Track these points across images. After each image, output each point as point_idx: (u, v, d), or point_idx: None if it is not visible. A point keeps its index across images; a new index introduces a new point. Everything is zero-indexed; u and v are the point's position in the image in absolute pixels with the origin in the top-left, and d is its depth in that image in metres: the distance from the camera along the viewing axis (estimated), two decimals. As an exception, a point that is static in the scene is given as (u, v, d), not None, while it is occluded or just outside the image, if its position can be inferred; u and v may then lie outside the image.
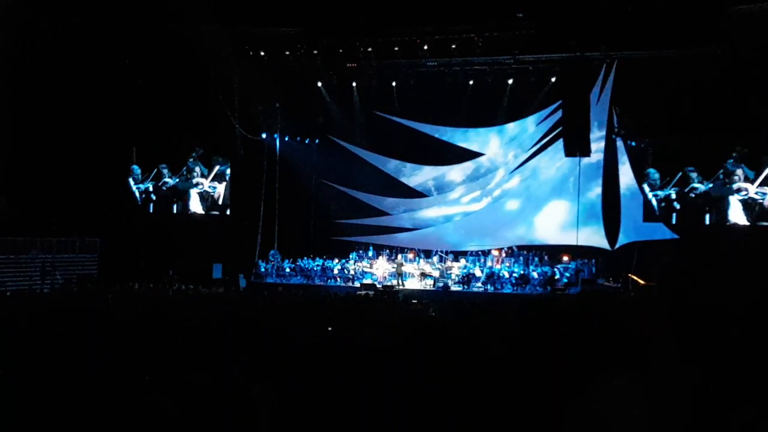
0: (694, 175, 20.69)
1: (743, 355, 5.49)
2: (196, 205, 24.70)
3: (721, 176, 20.33)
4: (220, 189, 24.59)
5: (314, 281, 22.79)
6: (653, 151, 21.25)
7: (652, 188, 21.24)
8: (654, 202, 21.17)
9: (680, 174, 20.65)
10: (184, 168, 24.65)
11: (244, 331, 8.08)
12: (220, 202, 24.58)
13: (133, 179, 24.98)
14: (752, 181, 20.12)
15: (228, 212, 24.59)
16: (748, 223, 20.14)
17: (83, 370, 5.51)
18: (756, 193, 20.03)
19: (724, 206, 20.36)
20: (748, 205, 20.18)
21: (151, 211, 24.87)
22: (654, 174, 21.21)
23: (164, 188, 24.82)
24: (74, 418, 4.58)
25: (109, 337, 7.35)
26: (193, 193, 24.71)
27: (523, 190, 24.68)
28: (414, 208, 25.90)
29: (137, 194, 24.90)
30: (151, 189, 24.82)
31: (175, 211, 24.86)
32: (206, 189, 24.61)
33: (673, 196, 20.92)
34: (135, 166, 24.90)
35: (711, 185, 20.51)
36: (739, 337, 6.78)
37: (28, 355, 6.17)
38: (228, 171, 24.58)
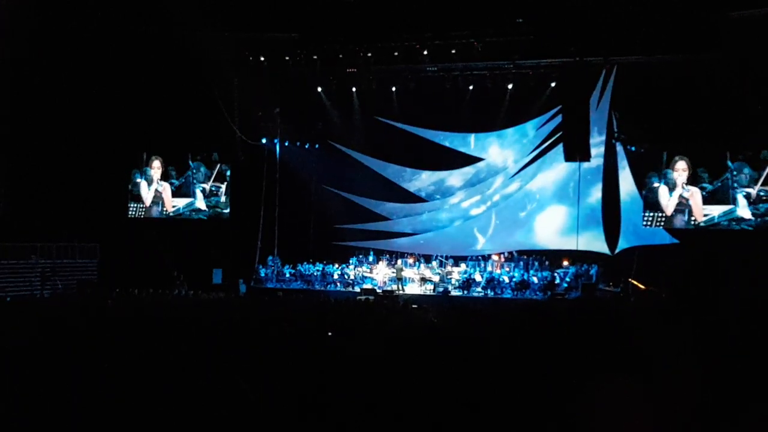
0: (705, 176, 20.85)
1: (746, 358, 5.49)
2: (201, 204, 24.86)
3: (729, 175, 20.51)
4: (224, 188, 24.81)
5: (314, 286, 22.76)
6: (668, 154, 21.34)
7: (670, 188, 21.33)
8: (673, 202, 21.24)
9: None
10: (189, 171, 24.87)
11: (244, 336, 8.08)
12: (222, 200, 24.72)
13: (146, 181, 25.26)
14: (756, 181, 20.31)
15: (228, 211, 24.70)
16: (752, 218, 20.28)
17: (83, 374, 5.51)
18: (759, 192, 20.22)
19: (731, 204, 20.58)
20: (753, 203, 20.38)
21: (161, 209, 25.09)
22: (671, 174, 21.30)
23: (173, 188, 25.12)
24: (75, 421, 4.57)
25: (109, 342, 7.35)
26: (198, 193, 24.88)
27: (523, 195, 24.67)
28: (414, 212, 25.89)
29: (148, 195, 25.18)
30: (160, 189, 25.07)
31: (180, 210, 25.02)
32: (209, 188, 24.78)
33: (686, 194, 21.04)
34: (147, 168, 25.18)
35: (719, 184, 20.67)
36: (742, 339, 6.78)
37: (29, 361, 6.17)
38: (228, 172, 24.75)
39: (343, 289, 22.17)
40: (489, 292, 21.47)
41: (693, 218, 21.10)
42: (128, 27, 21.18)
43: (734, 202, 20.59)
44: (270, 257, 24.27)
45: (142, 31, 21.29)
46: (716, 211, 20.86)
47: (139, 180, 25.50)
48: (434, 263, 23.59)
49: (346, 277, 23.15)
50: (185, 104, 22.41)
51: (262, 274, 23.70)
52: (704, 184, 20.96)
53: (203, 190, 24.87)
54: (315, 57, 23.22)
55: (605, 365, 5.20)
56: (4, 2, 19.72)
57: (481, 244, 24.82)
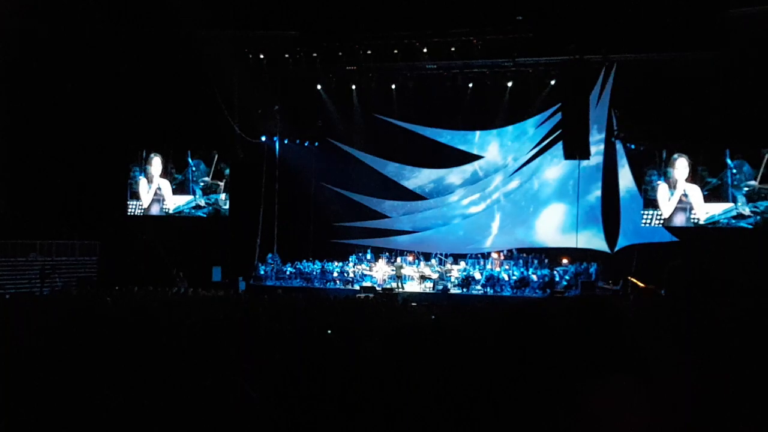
0: (705, 174, 20.90)
1: (746, 358, 5.48)
2: (200, 201, 24.97)
3: (729, 173, 20.56)
4: (223, 185, 24.92)
5: (314, 284, 22.76)
6: (667, 152, 21.36)
7: (670, 186, 21.37)
8: (673, 200, 21.28)
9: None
10: (188, 168, 24.94)
11: (243, 334, 8.07)
12: (222, 197, 24.77)
13: (146, 178, 25.28)
14: (755, 179, 20.35)
15: (228, 209, 24.76)
16: (751, 215, 20.33)
17: (82, 373, 5.50)
18: (759, 190, 20.27)
19: (732, 200, 20.70)
20: (753, 199, 20.43)
21: (161, 207, 25.15)
22: (671, 172, 21.34)
23: (173, 186, 25.19)
24: (74, 420, 4.57)
25: (109, 340, 7.33)
26: (198, 191, 25.04)
27: (523, 192, 24.67)
28: (413, 210, 25.87)
29: (148, 193, 25.23)
30: (160, 187, 25.13)
31: (181, 208, 25.11)
32: (209, 186, 24.86)
33: (687, 191, 21.10)
34: (147, 166, 25.26)
35: (719, 182, 20.72)
36: (742, 339, 6.76)
37: (27, 358, 6.16)
38: (227, 169, 24.84)
39: (343, 287, 22.16)
40: (488, 290, 21.47)
41: (693, 216, 21.11)
42: (128, 26, 21.15)
43: (734, 200, 20.61)
44: (269, 255, 24.26)
45: (142, 30, 21.27)
46: (717, 209, 20.87)
47: (139, 177, 25.52)
48: (434, 261, 23.60)
49: (345, 274, 23.14)
50: (185, 102, 22.39)
51: (262, 272, 23.69)
52: (708, 179, 20.97)
53: (203, 188, 24.90)
54: (314, 55, 23.20)
55: (604, 364, 5.20)
56: (3, 2, 19.68)
57: (488, 242, 24.81)
